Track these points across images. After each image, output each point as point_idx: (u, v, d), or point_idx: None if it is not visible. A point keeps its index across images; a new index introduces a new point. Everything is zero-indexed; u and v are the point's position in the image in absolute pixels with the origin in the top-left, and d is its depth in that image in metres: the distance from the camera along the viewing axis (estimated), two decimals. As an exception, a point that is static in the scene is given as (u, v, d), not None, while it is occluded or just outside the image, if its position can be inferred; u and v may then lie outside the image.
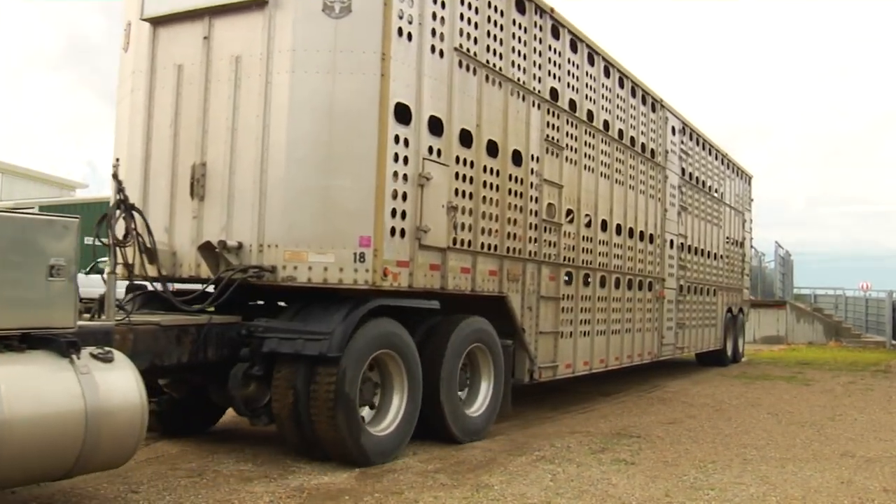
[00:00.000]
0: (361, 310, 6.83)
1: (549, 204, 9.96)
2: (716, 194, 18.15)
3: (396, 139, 7.12)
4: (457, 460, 7.37)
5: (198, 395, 7.71)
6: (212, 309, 6.98)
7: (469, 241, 8.20)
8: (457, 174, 8.00)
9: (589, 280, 11.16)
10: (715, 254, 17.98)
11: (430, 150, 7.59)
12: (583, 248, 10.93)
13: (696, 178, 16.60)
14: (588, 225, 11.17)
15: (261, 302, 8.08)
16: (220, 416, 8.39)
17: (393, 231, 7.06)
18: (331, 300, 6.96)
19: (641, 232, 13.18)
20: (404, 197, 7.20)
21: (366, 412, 7.22)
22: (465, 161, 8.15)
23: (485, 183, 8.49)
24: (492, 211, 8.61)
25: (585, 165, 11.01)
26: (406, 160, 7.23)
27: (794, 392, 13.98)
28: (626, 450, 8.11)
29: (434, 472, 6.87)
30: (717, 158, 18.29)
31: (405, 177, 7.21)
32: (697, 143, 16.73)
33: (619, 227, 12.21)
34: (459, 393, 8.31)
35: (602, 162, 11.59)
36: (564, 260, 10.37)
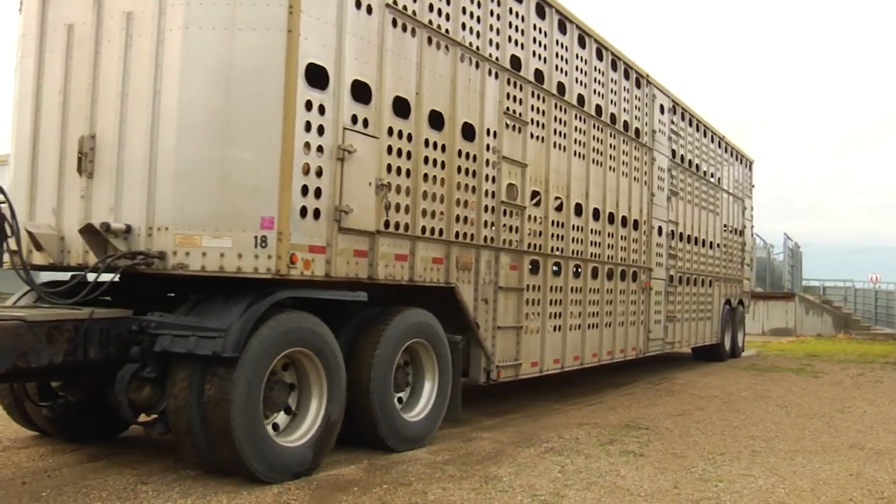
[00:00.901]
0: (265, 302, 5.89)
1: (510, 185, 8.99)
2: (712, 179, 17.10)
3: (308, 105, 6.16)
4: (465, 452, 7.31)
5: (98, 399, 6.81)
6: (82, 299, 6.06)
7: (406, 225, 7.25)
8: (389, 148, 7.05)
9: (560, 269, 10.19)
10: (711, 242, 16.94)
11: (354, 119, 6.64)
12: (552, 235, 9.96)
13: (690, 161, 15.56)
14: (559, 209, 10.19)
15: (172, 294, 7.18)
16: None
17: (304, 211, 6.12)
18: (235, 291, 6.04)
19: (624, 217, 12.19)
20: (319, 172, 6.26)
21: (281, 418, 6.31)
22: (400, 133, 7.19)
23: (426, 159, 7.53)
24: (436, 191, 7.66)
25: (555, 143, 10.03)
26: (321, 130, 6.28)
27: (802, 384, 13.78)
28: (634, 441, 8.02)
29: (443, 464, 6.78)
30: (713, 141, 17.23)
31: (320, 149, 6.27)
32: (690, 124, 15.68)
33: (596, 211, 11.22)
34: (399, 395, 7.39)
35: (576, 140, 10.60)
36: (529, 247, 9.40)
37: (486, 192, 8.49)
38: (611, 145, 11.72)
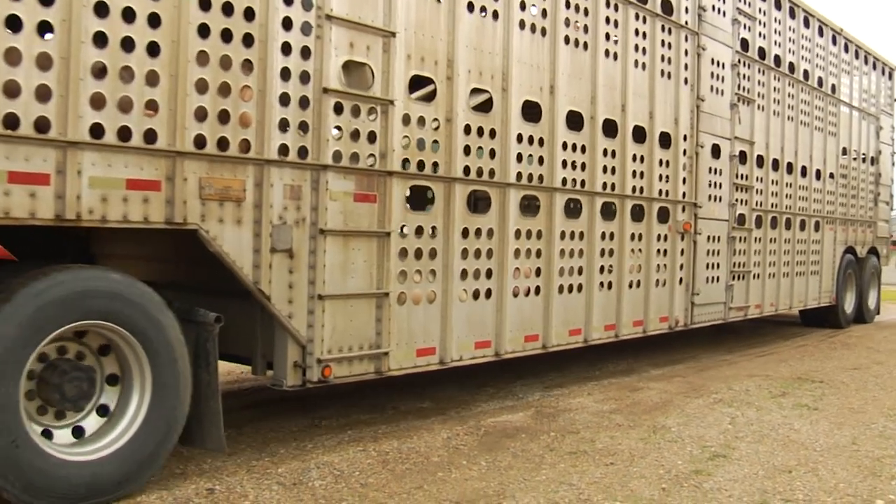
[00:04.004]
0: None
1: (353, 63, 5.55)
2: (821, 87, 12.51)
3: None
4: (632, 401, 7.19)
5: None
6: None
7: (43, 122, 4.06)
8: (-17, -23, 3.87)
9: (489, 203, 6.66)
10: (819, 171, 12.44)
11: None
12: (467, 148, 6.40)
13: (777, 57, 11.18)
14: (483, 107, 6.61)
15: None
16: None
17: None
18: None
19: (639, 128, 8.34)
20: None
21: None
22: (19, -46, 3.98)
23: (103, 8, 4.25)
24: (133, 64, 4.38)
25: (472, 4, 6.42)
26: None
27: None
28: (808, 395, 7.75)
29: (610, 413, 6.70)
30: (821, 35, 12.57)
31: None
32: (778, 7, 11.25)
33: (576, 115, 7.50)
34: (61, 420, 4.32)
35: (524, 3, 6.92)
36: (407, 166, 5.94)
37: (285, 72, 5.10)
38: (609, 19, 7.88)
